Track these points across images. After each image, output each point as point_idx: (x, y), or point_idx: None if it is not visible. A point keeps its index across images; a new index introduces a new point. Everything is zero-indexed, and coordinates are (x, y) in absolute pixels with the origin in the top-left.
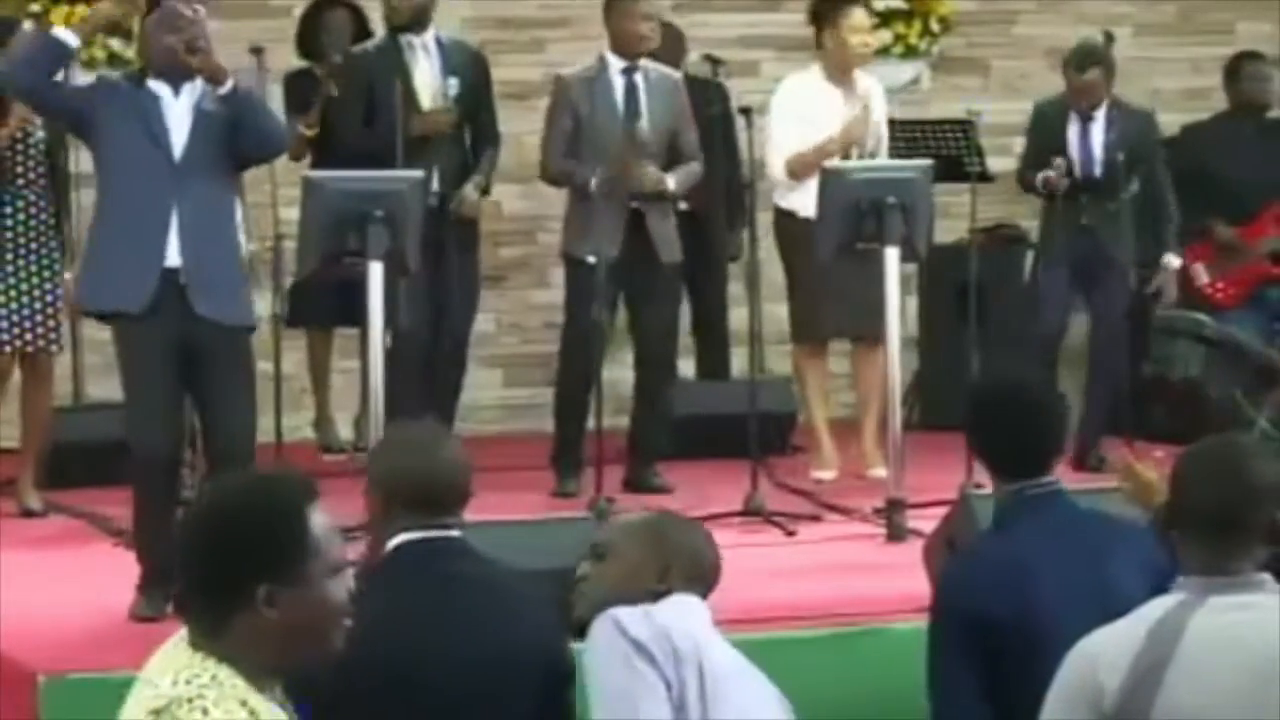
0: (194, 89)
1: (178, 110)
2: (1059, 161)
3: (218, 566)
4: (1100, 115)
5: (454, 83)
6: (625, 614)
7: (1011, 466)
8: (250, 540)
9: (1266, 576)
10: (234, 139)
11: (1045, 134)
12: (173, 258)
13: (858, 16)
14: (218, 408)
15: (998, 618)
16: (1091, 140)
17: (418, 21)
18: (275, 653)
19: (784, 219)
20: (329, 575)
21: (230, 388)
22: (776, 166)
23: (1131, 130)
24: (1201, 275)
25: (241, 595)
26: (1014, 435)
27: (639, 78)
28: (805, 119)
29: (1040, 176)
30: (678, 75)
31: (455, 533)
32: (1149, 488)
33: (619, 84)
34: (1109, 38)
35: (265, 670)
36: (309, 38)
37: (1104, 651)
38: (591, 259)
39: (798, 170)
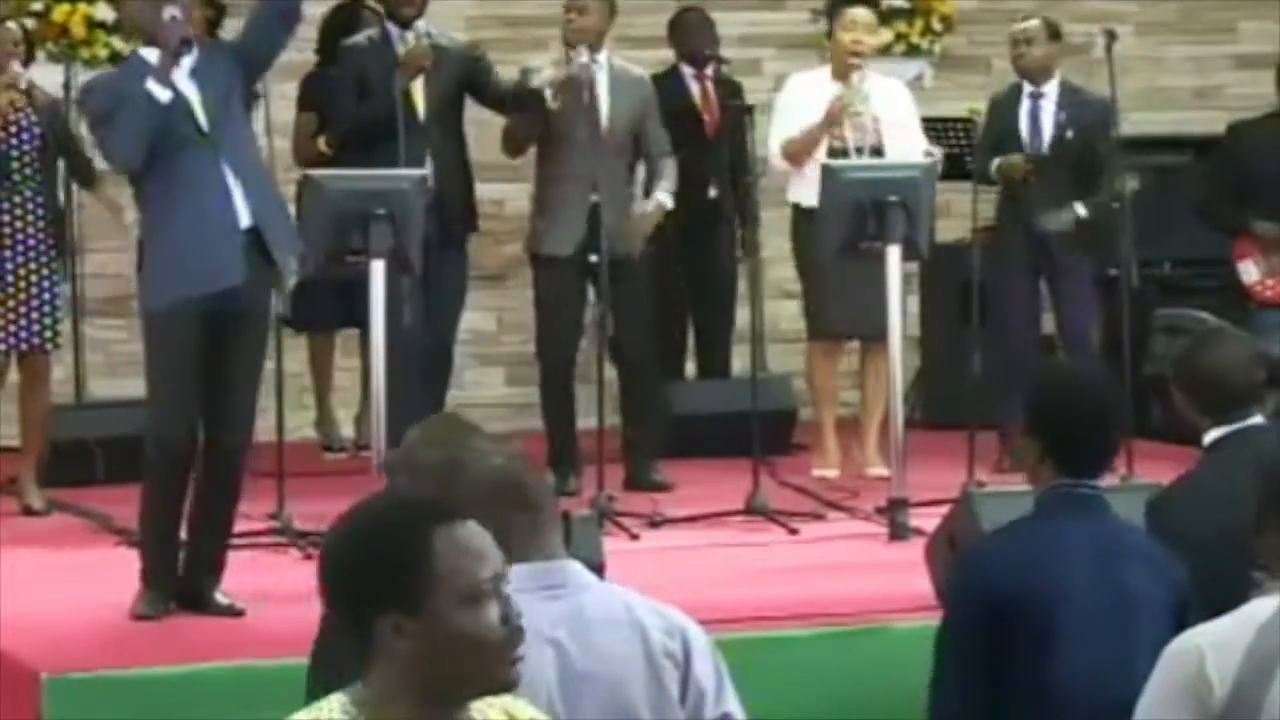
0: (193, 54)
1: (182, 77)
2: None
3: (342, 599)
4: (1051, 93)
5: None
6: None
7: (1067, 463)
8: (366, 567)
9: None
10: (244, 74)
11: (998, 119)
12: (245, 220)
13: (851, 15)
14: (228, 386)
15: (1015, 594)
16: (1041, 117)
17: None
18: (417, 695)
19: (795, 213)
20: (458, 604)
21: (246, 366)
22: (775, 153)
23: (1085, 115)
24: (1251, 273)
25: (368, 630)
26: (1081, 435)
27: (598, 70)
28: (805, 112)
29: (997, 161)
30: (640, 71)
31: None
32: None
33: (576, 106)
34: (1111, 36)
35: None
36: (330, 41)
37: (1211, 649)
38: (594, 258)
39: (789, 153)
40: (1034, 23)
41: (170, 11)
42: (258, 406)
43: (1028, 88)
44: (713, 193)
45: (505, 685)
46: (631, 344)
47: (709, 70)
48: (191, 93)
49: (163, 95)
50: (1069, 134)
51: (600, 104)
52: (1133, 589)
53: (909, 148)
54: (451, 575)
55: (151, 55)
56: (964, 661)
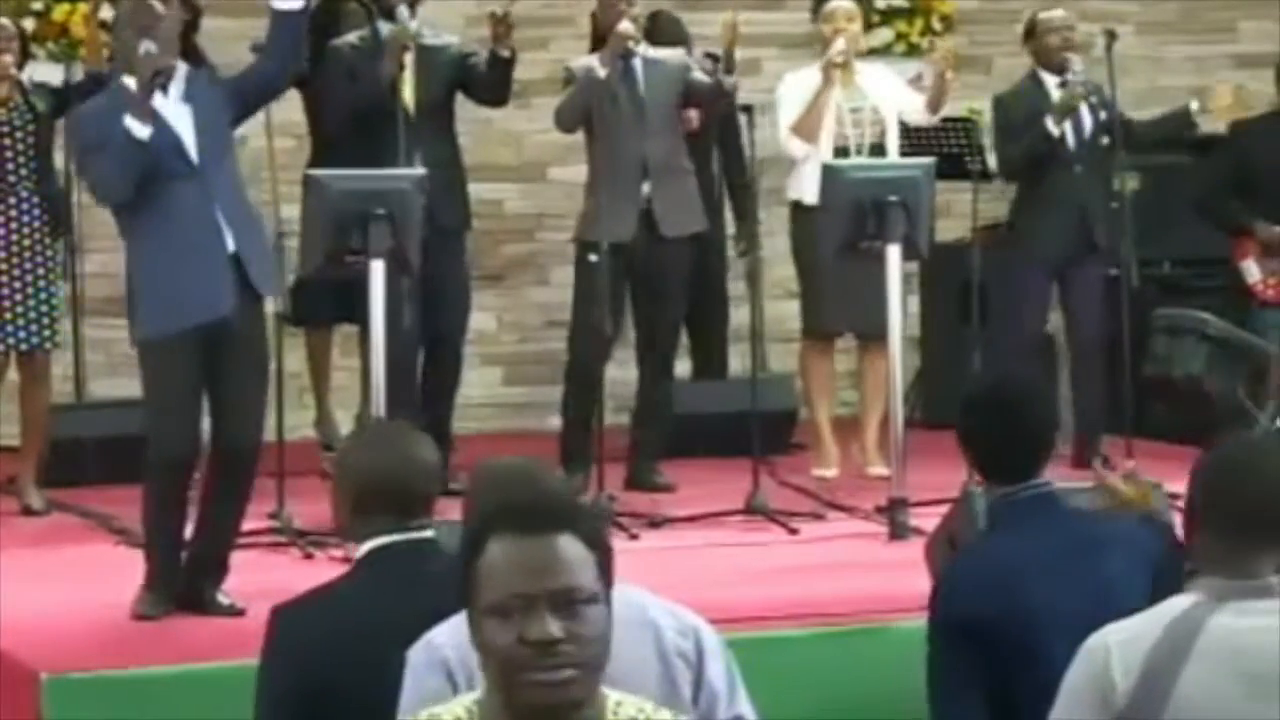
0: (179, 79)
1: (172, 108)
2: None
3: None
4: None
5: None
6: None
7: (999, 469)
8: (459, 559)
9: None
10: (234, 111)
11: (1023, 110)
12: (230, 246)
13: (829, 8)
14: (234, 398)
15: (989, 620)
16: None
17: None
18: (499, 694)
19: (795, 210)
20: (487, 613)
21: (248, 379)
22: (786, 138)
23: (1100, 95)
24: (1252, 272)
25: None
26: (997, 438)
27: (637, 64)
28: (804, 100)
29: (1052, 115)
30: (677, 53)
31: (429, 534)
32: (1125, 503)
33: (617, 77)
34: (1111, 35)
35: (514, 715)
36: (318, 32)
37: (1118, 647)
38: (593, 258)
39: (799, 128)
40: (1063, 11)
41: (146, 46)
42: (263, 402)
43: (1051, 78)
44: None
45: (525, 704)
46: (660, 338)
47: (702, 55)
48: (184, 121)
49: (141, 132)
50: (1102, 115)
51: (643, 102)
52: (1106, 579)
53: (906, 103)
54: (485, 583)
55: (132, 83)
56: (958, 693)
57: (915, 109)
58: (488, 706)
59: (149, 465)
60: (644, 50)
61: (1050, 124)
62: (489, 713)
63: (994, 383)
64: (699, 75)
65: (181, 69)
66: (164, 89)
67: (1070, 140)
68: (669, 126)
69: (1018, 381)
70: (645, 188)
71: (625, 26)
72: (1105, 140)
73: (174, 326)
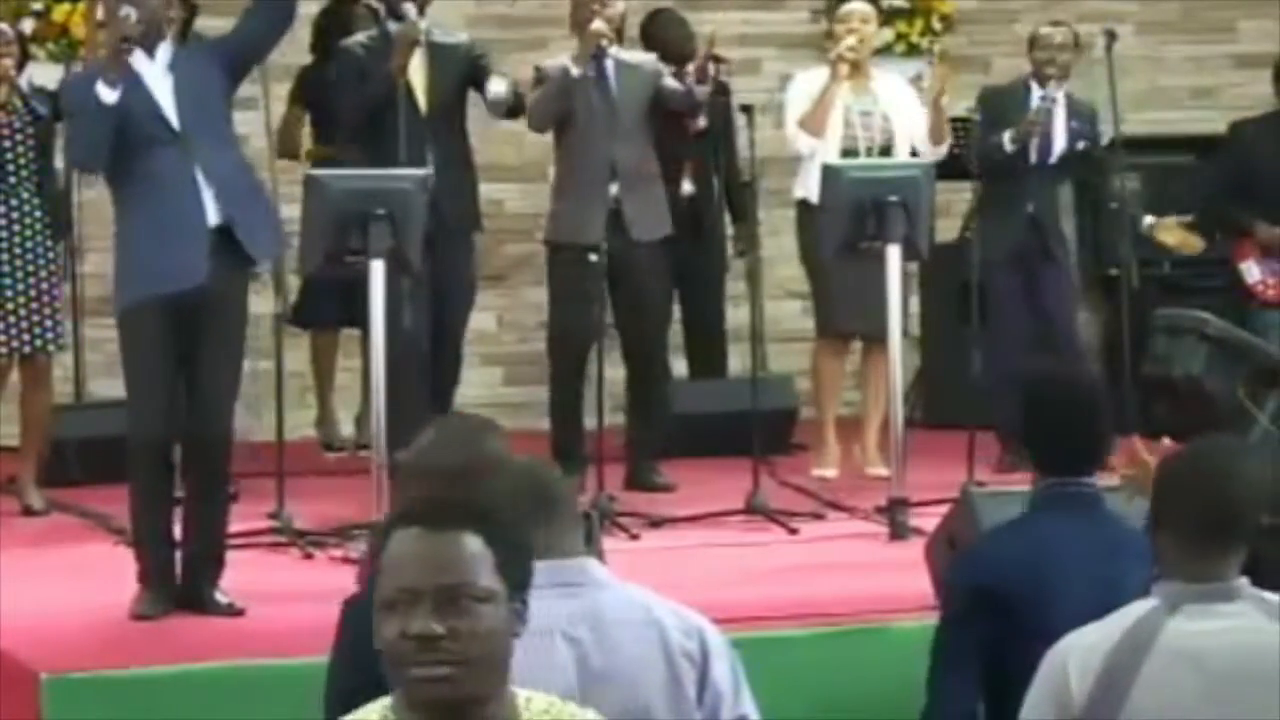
0: (166, 47)
1: (157, 75)
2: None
3: None
4: (1061, 97)
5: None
6: None
7: (1054, 461)
8: None
9: (1243, 583)
10: (227, 74)
11: (1001, 111)
12: (213, 218)
13: (845, 10)
14: (205, 383)
15: (1010, 594)
16: (1053, 124)
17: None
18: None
19: (801, 209)
20: (380, 607)
21: (222, 364)
22: (793, 134)
23: (1087, 125)
24: (1252, 273)
25: None
26: (1062, 432)
27: (609, 66)
28: (812, 99)
29: (1011, 132)
30: (649, 59)
31: None
32: (1149, 471)
33: (590, 78)
34: (1111, 35)
35: (414, 712)
36: (326, 39)
37: (1077, 653)
38: (594, 258)
39: (806, 121)
40: (1066, 29)
41: (126, 10)
42: (236, 402)
43: (1037, 89)
44: (687, 188)
45: (414, 698)
46: (643, 340)
47: (688, 68)
48: (165, 89)
49: (109, 97)
50: (1079, 145)
51: (615, 104)
52: (1125, 584)
53: (918, 130)
54: (382, 577)
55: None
56: (959, 661)
57: (923, 137)
58: (397, 708)
59: (129, 451)
60: (616, 52)
61: (1006, 139)
62: (399, 714)
63: (1068, 377)
64: (670, 82)
65: (169, 38)
66: (150, 52)
67: (1032, 155)
68: (639, 130)
69: (1088, 382)
70: (613, 189)
71: (598, 25)
72: (1081, 150)
73: (147, 293)
